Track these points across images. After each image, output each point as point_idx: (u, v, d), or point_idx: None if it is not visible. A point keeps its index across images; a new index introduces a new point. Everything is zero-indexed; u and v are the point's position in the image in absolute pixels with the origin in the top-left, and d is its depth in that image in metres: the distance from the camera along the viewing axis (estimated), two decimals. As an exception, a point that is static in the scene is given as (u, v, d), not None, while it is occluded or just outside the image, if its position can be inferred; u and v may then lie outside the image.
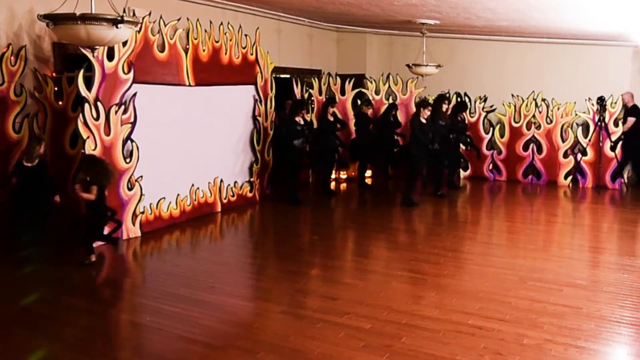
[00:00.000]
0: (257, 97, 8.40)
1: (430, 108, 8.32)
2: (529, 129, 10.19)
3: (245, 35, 8.17)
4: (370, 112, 10.05)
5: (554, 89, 10.20)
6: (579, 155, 9.86)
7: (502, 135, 10.44)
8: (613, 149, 9.58)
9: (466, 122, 9.96)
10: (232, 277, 5.50)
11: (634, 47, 9.91)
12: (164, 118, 6.96)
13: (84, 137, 5.93)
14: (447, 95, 10.13)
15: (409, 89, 10.91)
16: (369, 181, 10.30)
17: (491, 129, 10.55)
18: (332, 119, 9.01)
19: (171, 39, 6.95)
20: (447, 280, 5.16)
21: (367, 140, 9.82)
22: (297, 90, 9.70)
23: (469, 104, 10.56)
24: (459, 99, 10.58)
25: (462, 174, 10.77)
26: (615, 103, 9.53)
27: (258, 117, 8.41)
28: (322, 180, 9.41)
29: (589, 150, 9.78)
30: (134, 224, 6.52)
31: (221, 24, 7.85)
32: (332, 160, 9.28)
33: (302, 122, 8.27)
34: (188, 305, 4.47)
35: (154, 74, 6.74)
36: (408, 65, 9.37)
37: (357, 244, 6.58)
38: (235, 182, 8.18)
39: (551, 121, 10.02)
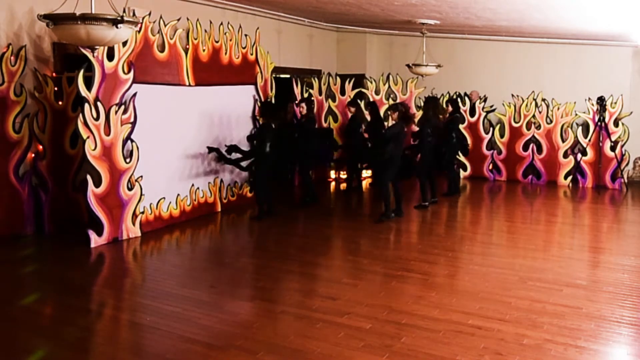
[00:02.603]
0: (257, 97, 8.40)
1: (397, 112, 7.40)
2: (529, 129, 10.21)
3: (245, 35, 8.18)
4: (353, 110, 9.49)
5: (554, 89, 10.21)
6: (579, 155, 9.87)
7: (502, 135, 10.46)
8: (613, 149, 9.59)
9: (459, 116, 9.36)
10: (232, 277, 5.50)
11: (634, 47, 9.92)
12: (164, 118, 6.96)
13: (84, 137, 5.93)
14: (436, 96, 9.81)
15: (409, 89, 10.91)
16: (364, 182, 10.19)
17: (491, 129, 10.56)
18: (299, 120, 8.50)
19: (171, 39, 6.95)
20: (447, 280, 5.16)
21: (356, 142, 9.33)
22: (297, 90, 9.71)
23: (466, 100, 10.59)
24: (457, 98, 10.61)
25: (462, 174, 10.78)
26: (615, 103, 9.54)
27: (258, 117, 8.40)
28: (303, 185, 8.77)
29: (589, 150, 9.79)
30: (134, 224, 6.52)
31: (221, 24, 7.85)
32: (310, 164, 8.61)
33: (274, 127, 7.58)
34: (188, 305, 4.48)
35: (154, 74, 6.74)
36: (408, 65, 9.37)
37: (357, 243, 6.58)
38: (235, 182, 8.18)
39: (551, 121, 10.03)
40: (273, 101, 8.69)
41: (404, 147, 7.63)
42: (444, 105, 9.27)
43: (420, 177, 8.13)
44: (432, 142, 8.08)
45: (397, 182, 7.55)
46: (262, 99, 8.27)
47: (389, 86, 10.89)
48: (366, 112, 9.71)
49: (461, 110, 10.38)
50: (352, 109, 9.52)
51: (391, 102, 10.68)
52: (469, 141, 10.59)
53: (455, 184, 9.17)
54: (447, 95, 10.74)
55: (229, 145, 7.56)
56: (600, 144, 9.65)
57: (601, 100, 9.47)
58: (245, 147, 7.88)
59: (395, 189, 7.54)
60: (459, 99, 10.63)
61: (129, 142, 6.41)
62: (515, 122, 10.29)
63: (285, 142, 8.37)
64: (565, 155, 10.01)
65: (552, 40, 10.26)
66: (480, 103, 10.55)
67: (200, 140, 7.53)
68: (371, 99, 10.58)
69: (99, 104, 6.04)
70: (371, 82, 10.90)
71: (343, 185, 9.85)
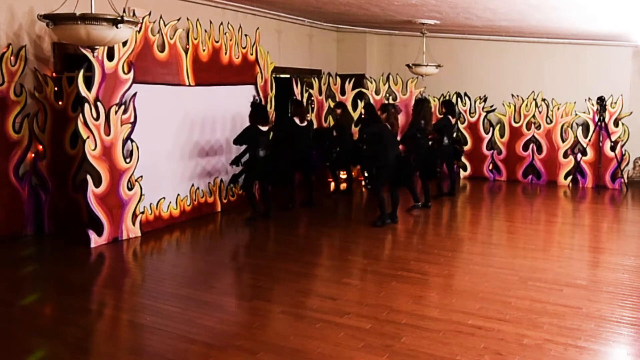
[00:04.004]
0: (257, 97, 8.39)
1: (386, 114, 7.06)
2: (529, 129, 10.21)
3: (245, 35, 8.18)
4: (339, 113, 9.31)
5: (554, 89, 10.21)
6: (579, 155, 9.87)
7: (502, 135, 10.46)
8: (613, 149, 9.59)
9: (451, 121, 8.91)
10: (232, 277, 5.50)
11: (634, 47, 9.91)
12: (164, 118, 6.96)
13: (84, 137, 5.93)
14: (426, 97, 9.47)
15: (409, 89, 10.91)
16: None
17: (491, 129, 10.56)
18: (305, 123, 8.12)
19: (171, 39, 6.95)
20: (447, 280, 5.16)
21: (346, 144, 9.10)
22: (297, 90, 9.70)
23: (466, 100, 10.59)
24: (458, 98, 10.63)
25: (462, 174, 10.79)
26: (615, 103, 9.54)
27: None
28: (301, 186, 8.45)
29: (589, 150, 9.79)
30: (134, 224, 6.51)
31: (221, 24, 7.85)
32: (302, 167, 8.25)
33: (265, 129, 7.25)
34: (188, 305, 4.48)
35: (154, 74, 6.74)
36: (408, 65, 9.36)
37: (357, 243, 6.57)
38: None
39: (551, 121, 10.03)
40: (271, 103, 8.68)
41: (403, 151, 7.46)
42: (440, 106, 9.20)
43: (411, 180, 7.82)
44: (424, 144, 7.91)
45: (396, 187, 7.29)
46: (255, 100, 7.82)
47: (389, 86, 10.89)
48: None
49: (459, 111, 10.42)
50: (338, 111, 9.33)
51: (391, 101, 10.70)
52: (469, 143, 10.60)
53: (452, 185, 9.02)
54: (448, 96, 10.76)
55: (231, 161, 7.46)
56: (600, 144, 9.65)
57: (601, 100, 9.47)
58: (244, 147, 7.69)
59: (393, 193, 7.29)
60: (458, 99, 10.66)
61: (129, 142, 6.41)
62: (515, 122, 10.30)
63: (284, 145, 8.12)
64: (565, 155, 10.01)
65: (552, 40, 10.25)
66: (480, 103, 10.56)
67: (200, 140, 7.53)
68: (371, 99, 10.59)
69: (99, 104, 6.04)
70: (371, 82, 10.89)
71: (343, 186, 9.85)
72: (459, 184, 9.79)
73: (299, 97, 9.67)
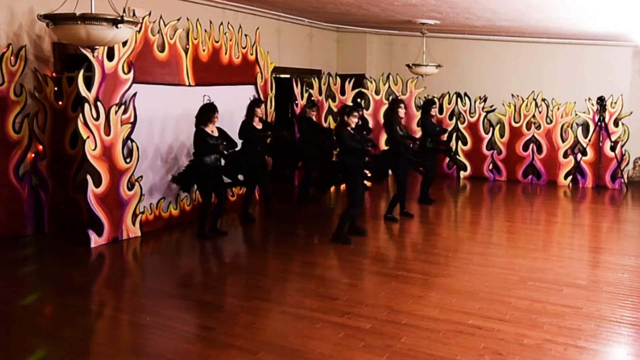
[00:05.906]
0: (257, 97, 8.39)
1: (356, 114, 6.29)
2: (529, 129, 10.21)
3: (245, 35, 8.18)
4: (314, 115, 8.72)
5: (554, 89, 10.21)
6: (579, 155, 9.87)
7: (502, 135, 10.46)
8: (613, 149, 9.59)
9: (440, 124, 8.53)
10: (232, 277, 5.50)
11: (634, 47, 9.91)
12: (164, 118, 6.96)
13: (84, 137, 5.93)
14: (399, 97, 9.17)
15: (409, 89, 10.92)
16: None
17: (491, 129, 10.57)
18: (260, 125, 7.40)
19: (171, 39, 6.95)
20: (447, 280, 5.16)
21: (314, 149, 8.41)
22: (297, 90, 9.70)
23: (466, 101, 10.59)
24: (457, 98, 10.64)
25: (462, 174, 10.79)
26: (615, 103, 9.54)
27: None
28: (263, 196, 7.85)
29: (589, 150, 9.79)
30: (134, 224, 6.51)
31: (221, 24, 7.85)
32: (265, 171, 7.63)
33: (215, 133, 6.44)
34: (188, 305, 4.48)
35: (154, 74, 6.75)
36: (408, 65, 9.37)
37: (357, 243, 6.57)
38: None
39: (551, 121, 10.03)
40: (271, 103, 8.67)
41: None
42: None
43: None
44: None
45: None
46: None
47: (389, 86, 10.89)
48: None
49: (459, 111, 10.46)
50: (314, 113, 8.66)
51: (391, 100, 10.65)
52: (469, 143, 10.60)
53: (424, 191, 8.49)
54: (447, 96, 10.77)
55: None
56: (600, 144, 9.65)
57: (601, 100, 9.48)
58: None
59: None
60: (458, 99, 10.65)
61: (129, 142, 6.41)
62: (515, 122, 10.30)
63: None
64: (565, 155, 10.01)
65: (552, 40, 10.25)
66: (480, 103, 10.56)
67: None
68: (371, 100, 10.58)
69: (99, 104, 6.04)
70: (371, 82, 10.89)
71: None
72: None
73: (298, 97, 9.68)
